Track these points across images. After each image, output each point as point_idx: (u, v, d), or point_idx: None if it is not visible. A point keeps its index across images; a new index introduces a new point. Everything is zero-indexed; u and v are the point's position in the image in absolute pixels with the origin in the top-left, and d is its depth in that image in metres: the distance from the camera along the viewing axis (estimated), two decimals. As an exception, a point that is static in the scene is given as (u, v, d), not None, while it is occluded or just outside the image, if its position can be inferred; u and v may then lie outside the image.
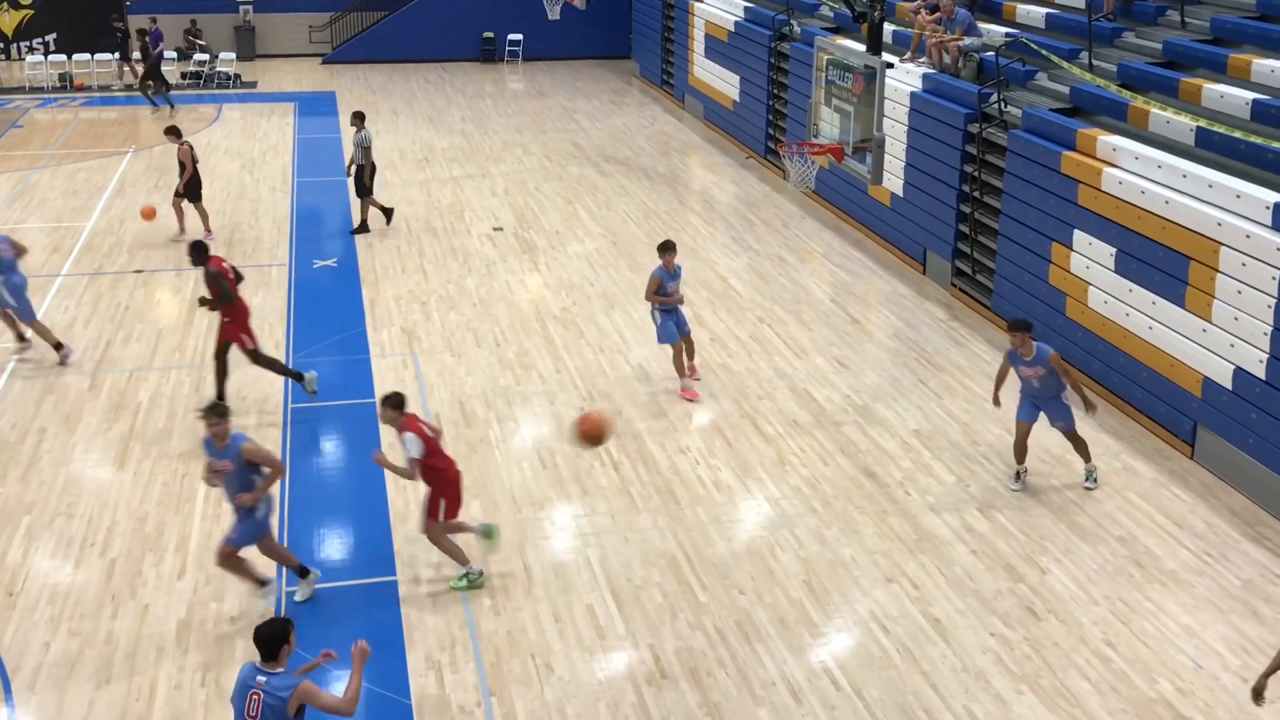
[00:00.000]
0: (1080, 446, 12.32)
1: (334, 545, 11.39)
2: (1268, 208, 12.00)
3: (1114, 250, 14.02)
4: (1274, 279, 11.74)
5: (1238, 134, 13.15)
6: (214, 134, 27.41)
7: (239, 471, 9.83)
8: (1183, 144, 13.99)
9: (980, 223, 17.12)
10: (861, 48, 15.37)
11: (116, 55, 32.59)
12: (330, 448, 13.35)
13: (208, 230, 19.82)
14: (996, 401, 12.65)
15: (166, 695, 9.27)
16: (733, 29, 26.43)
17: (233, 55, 34.26)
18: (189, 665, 9.59)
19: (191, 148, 19.45)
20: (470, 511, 11.79)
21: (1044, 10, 18.76)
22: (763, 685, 9.44)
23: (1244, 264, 12.09)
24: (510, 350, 15.65)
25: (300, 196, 22.43)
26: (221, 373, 13.77)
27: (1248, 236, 12.06)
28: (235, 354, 13.76)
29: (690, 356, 14.68)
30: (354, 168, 19.84)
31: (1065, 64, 16.29)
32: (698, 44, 28.73)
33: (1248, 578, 10.89)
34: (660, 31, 31.90)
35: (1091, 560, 11.13)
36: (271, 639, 7.18)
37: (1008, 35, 18.34)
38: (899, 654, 9.82)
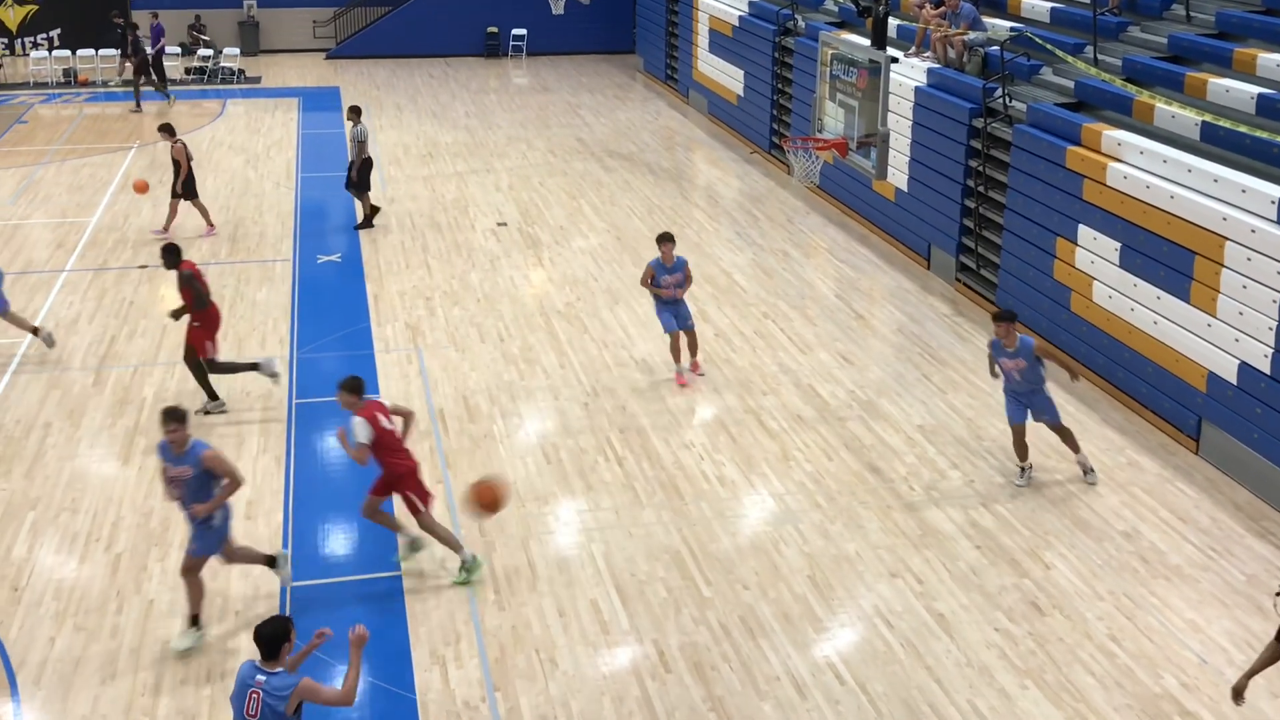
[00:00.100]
0: (1068, 438, 12.29)
1: (338, 540, 11.40)
2: (1273, 202, 11.98)
3: (1119, 245, 14.00)
4: (1279, 274, 11.72)
5: (1243, 129, 13.12)
6: (218, 129, 27.42)
7: (197, 480, 9.49)
8: (1188, 139, 13.96)
9: (985, 218, 17.10)
10: (866, 42, 15.37)
11: (118, 51, 32.62)
12: (334, 443, 13.32)
13: (210, 226, 19.82)
14: (995, 375, 12.44)
15: (172, 690, 9.28)
16: (737, 23, 26.41)
17: (237, 50, 34.26)
18: (194, 660, 9.60)
19: (185, 145, 19.44)
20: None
21: (1049, 4, 18.71)
22: (767, 680, 9.44)
23: (1249, 259, 12.07)
24: (514, 345, 15.65)
25: (304, 192, 22.44)
26: (200, 374, 13.71)
27: (1253, 231, 12.04)
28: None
29: (694, 352, 14.70)
30: (357, 162, 19.85)
31: (1070, 58, 16.26)
32: (702, 39, 28.70)
33: (1252, 573, 10.88)
34: (664, 26, 31.88)
35: (1096, 555, 11.12)
36: (273, 638, 7.15)
37: (1012, 30, 18.31)
38: (903, 649, 9.82)
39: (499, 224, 20.69)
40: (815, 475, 12.53)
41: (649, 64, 33.86)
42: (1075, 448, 12.36)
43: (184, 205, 19.61)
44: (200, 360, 13.58)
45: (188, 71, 33.12)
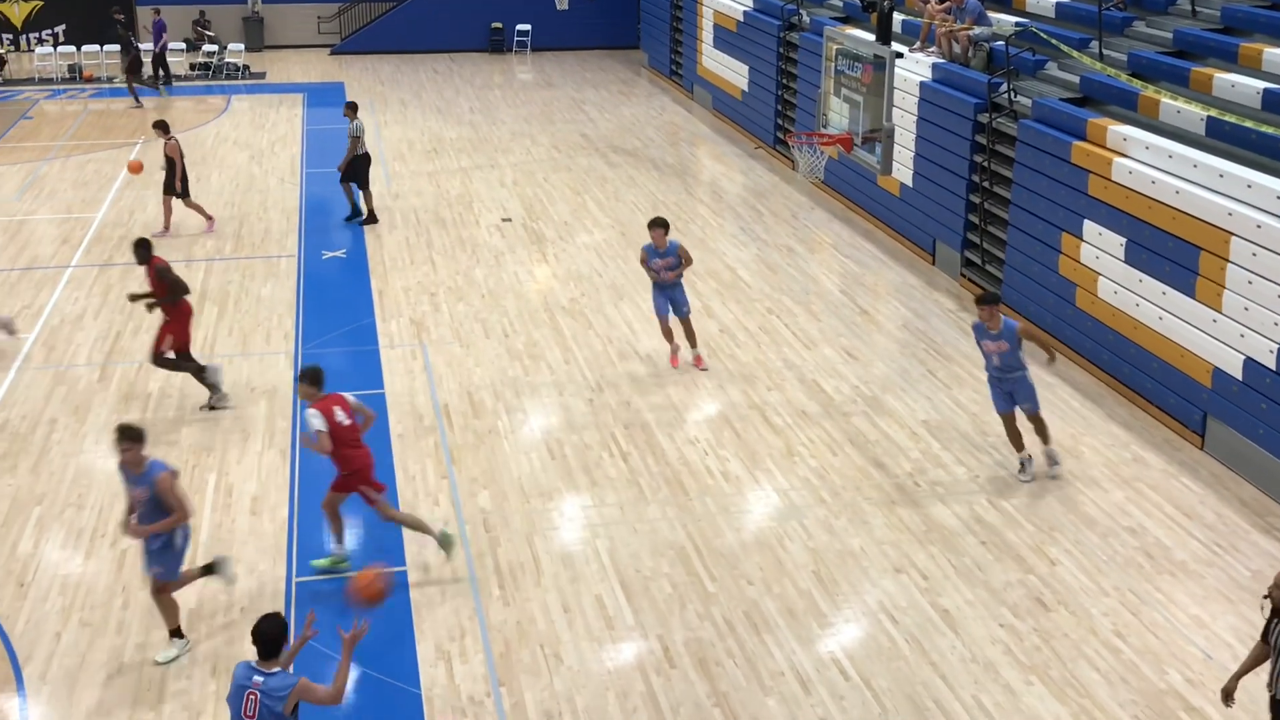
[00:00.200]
0: (1041, 428, 12.29)
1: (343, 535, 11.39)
2: (1278, 197, 11.96)
3: (1124, 240, 13.98)
4: (1285, 269, 11.71)
5: (1249, 124, 13.10)
6: (223, 125, 27.43)
7: (153, 502, 9.10)
8: (1193, 134, 13.94)
9: (990, 213, 17.08)
10: (871, 37, 15.34)
11: (120, 47, 32.66)
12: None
13: (209, 220, 19.78)
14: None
15: (177, 685, 9.29)
16: (741, 19, 26.38)
17: (241, 46, 34.29)
18: (200, 655, 9.61)
19: (178, 143, 19.41)
20: (478, 502, 11.84)
21: (1054, -1, 18.71)
22: (771, 675, 9.44)
23: (1254, 254, 12.05)
24: (519, 341, 15.66)
25: (309, 187, 22.44)
26: (197, 370, 13.70)
27: (1258, 226, 12.02)
28: (197, 342, 13.66)
29: (693, 344, 14.72)
30: (357, 158, 19.86)
31: (1075, 53, 16.24)
32: (706, 34, 28.67)
33: (1257, 568, 10.86)
34: (669, 21, 31.84)
35: (1101, 551, 11.11)
36: (274, 638, 7.14)
37: (1017, 24, 18.28)
38: (908, 644, 9.82)
39: (503, 220, 20.69)
40: (820, 471, 12.53)
41: (653, 59, 33.83)
42: (1046, 438, 12.35)
43: (176, 203, 19.52)
44: (155, 356, 13.57)
45: (192, 67, 33.14)
